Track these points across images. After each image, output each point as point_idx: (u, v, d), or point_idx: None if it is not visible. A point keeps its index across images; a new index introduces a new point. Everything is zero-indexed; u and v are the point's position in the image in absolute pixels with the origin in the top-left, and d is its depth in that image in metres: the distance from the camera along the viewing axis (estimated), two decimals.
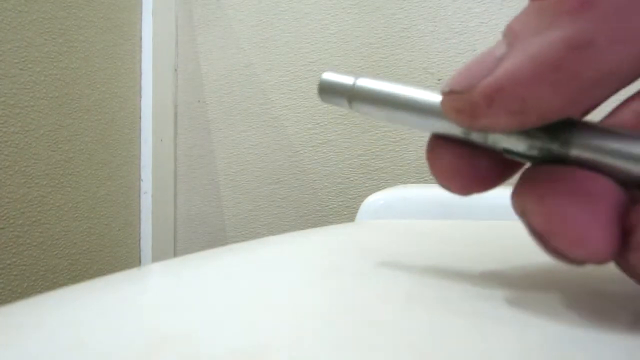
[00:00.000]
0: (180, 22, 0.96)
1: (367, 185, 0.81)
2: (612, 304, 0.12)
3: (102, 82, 0.81)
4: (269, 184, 0.88)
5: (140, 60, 0.90)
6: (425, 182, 0.77)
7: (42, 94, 0.71)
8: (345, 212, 0.83)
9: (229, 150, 0.91)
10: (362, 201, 0.48)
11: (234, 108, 0.91)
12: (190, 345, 0.10)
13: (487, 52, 0.11)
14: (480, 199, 0.15)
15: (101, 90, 0.81)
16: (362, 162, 0.81)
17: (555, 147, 0.11)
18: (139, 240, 0.89)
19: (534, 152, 0.11)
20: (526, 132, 0.11)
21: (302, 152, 0.86)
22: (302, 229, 0.56)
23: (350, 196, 0.82)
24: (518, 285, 0.14)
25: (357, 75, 0.15)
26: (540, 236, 0.11)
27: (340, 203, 0.83)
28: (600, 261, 0.10)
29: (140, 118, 0.89)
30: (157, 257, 0.90)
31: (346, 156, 0.83)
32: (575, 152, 0.11)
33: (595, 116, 0.12)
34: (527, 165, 0.12)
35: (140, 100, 0.90)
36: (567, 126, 0.11)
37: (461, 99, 0.11)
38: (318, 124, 0.85)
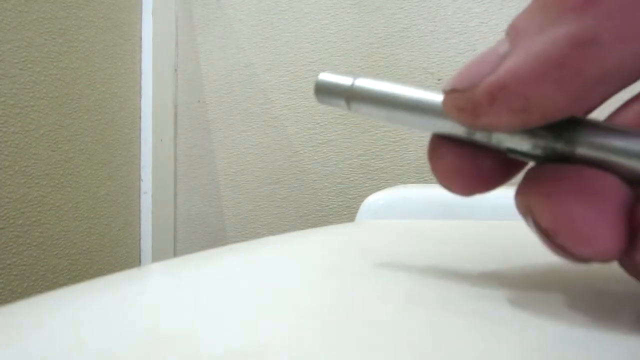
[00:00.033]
0: (180, 22, 0.96)
1: (367, 185, 0.81)
2: (613, 303, 0.12)
3: (102, 82, 0.81)
4: (269, 184, 0.88)
5: (140, 60, 0.90)
6: (425, 182, 0.77)
7: (42, 94, 0.71)
8: (345, 212, 0.83)
9: (229, 150, 0.91)
10: (362, 201, 0.48)
11: (234, 108, 0.91)
12: (190, 345, 0.10)
13: (490, 50, 0.11)
14: (481, 199, 0.15)
15: (101, 90, 0.81)
16: (362, 162, 0.81)
17: (560, 146, 0.11)
18: (139, 240, 0.89)
19: (539, 152, 0.11)
20: (530, 131, 0.11)
21: (302, 152, 0.86)
22: (302, 229, 0.56)
23: (350, 196, 0.82)
24: (518, 285, 0.14)
25: (354, 75, 0.14)
26: (546, 234, 0.11)
27: (340, 203, 0.83)
28: (606, 259, 0.10)
29: (140, 118, 0.89)
30: (157, 257, 0.90)
31: (346, 156, 0.83)
32: (580, 150, 0.11)
33: (597, 117, 0.12)
34: (530, 164, 0.12)
35: (140, 100, 0.90)
36: (572, 125, 0.11)
37: (463, 97, 0.11)
38: (318, 124, 0.85)
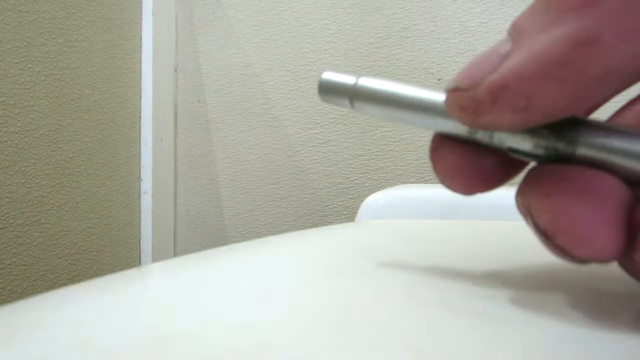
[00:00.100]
0: (180, 22, 0.96)
1: (367, 185, 0.81)
2: (613, 304, 0.12)
3: (102, 82, 0.81)
4: (269, 184, 0.88)
5: (140, 60, 0.90)
6: (425, 182, 0.77)
7: (42, 94, 0.71)
8: (345, 212, 0.83)
9: (229, 150, 0.91)
10: (362, 201, 0.48)
11: (234, 108, 0.91)
12: (190, 345, 0.10)
13: (492, 49, 0.11)
14: (481, 199, 0.15)
15: (101, 90, 0.81)
16: (362, 162, 0.81)
17: (561, 146, 0.11)
18: (139, 240, 0.89)
19: (540, 151, 0.11)
20: (532, 131, 0.11)
21: (302, 152, 0.86)
22: (302, 229, 0.56)
23: (350, 196, 0.82)
24: (518, 285, 0.14)
25: (358, 74, 0.14)
26: (545, 234, 0.11)
27: (340, 203, 0.83)
28: (605, 260, 0.10)
29: (140, 118, 0.89)
30: (157, 257, 0.90)
31: (346, 156, 0.83)
32: (581, 150, 0.11)
33: (599, 118, 0.12)
34: (532, 164, 0.12)
35: (140, 100, 0.90)
36: (573, 125, 0.11)
37: (465, 96, 0.11)
38: (318, 124, 0.85)
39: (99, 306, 0.13)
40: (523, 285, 0.14)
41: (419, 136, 0.78)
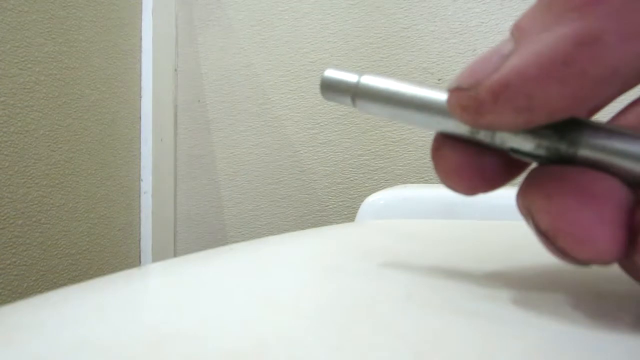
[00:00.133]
0: (180, 22, 0.96)
1: (367, 185, 0.81)
2: (613, 304, 0.12)
3: (102, 82, 0.81)
4: (269, 184, 0.88)
5: (140, 60, 0.90)
6: (425, 182, 0.77)
7: (42, 94, 0.71)
8: (345, 212, 0.83)
9: (229, 150, 0.91)
10: (362, 201, 0.48)
11: (234, 108, 0.91)
12: (190, 345, 0.10)
13: (495, 49, 0.11)
14: (481, 199, 0.15)
15: (101, 90, 0.81)
16: (362, 162, 0.81)
17: (563, 147, 0.11)
18: (139, 240, 0.89)
19: (542, 152, 0.11)
20: (534, 132, 0.11)
21: (302, 152, 0.86)
22: (302, 229, 0.56)
23: (350, 196, 0.82)
24: (519, 286, 0.14)
25: (360, 72, 0.14)
26: (546, 236, 0.11)
27: (340, 203, 0.83)
28: (606, 262, 0.10)
29: (140, 118, 0.89)
30: (157, 257, 0.90)
31: (346, 156, 0.83)
32: (583, 152, 0.11)
33: (600, 119, 0.12)
34: (533, 165, 0.12)
35: (140, 100, 0.90)
36: (575, 126, 0.11)
37: (467, 95, 0.11)
38: (318, 124, 0.85)
39: (99, 306, 0.13)
40: (523, 286, 0.14)
41: (419, 136, 0.78)
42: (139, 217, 0.89)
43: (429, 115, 0.13)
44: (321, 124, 0.84)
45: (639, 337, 0.10)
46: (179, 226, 0.95)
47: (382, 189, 0.53)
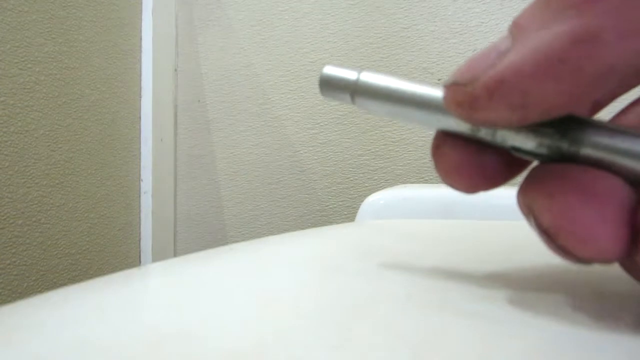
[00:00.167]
0: (180, 22, 0.96)
1: (367, 185, 0.81)
2: (614, 304, 0.12)
3: (102, 82, 0.81)
4: (269, 184, 0.88)
5: (140, 60, 0.90)
6: (425, 182, 0.77)
7: (42, 94, 0.71)
8: (345, 212, 0.83)
9: (229, 150, 0.91)
10: (362, 201, 0.48)
11: (234, 108, 0.91)
12: (190, 345, 0.10)
13: (493, 46, 0.11)
14: (481, 199, 0.15)
15: (101, 90, 0.81)
16: (362, 162, 0.81)
17: (564, 145, 0.11)
18: (139, 240, 0.89)
19: (543, 150, 0.11)
20: (535, 130, 0.11)
21: (302, 152, 0.86)
22: (302, 229, 0.56)
23: (350, 196, 0.82)
24: (519, 286, 0.14)
25: (359, 69, 0.14)
26: (547, 234, 0.11)
27: (340, 203, 0.83)
28: (607, 260, 0.10)
29: (140, 118, 0.89)
30: (157, 257, 0.90)
31: (346, 156, 0.83)
32: (585, 150, 0.11)
33: (602, 118, 0.12)
34: (534, 163, 0.12)
35: (140, 100, 0.90)
36: (577, 124, 0.11)
37: (462, 91, 0.11)
38: (318, 124, 0.85)
39: (99, 306, 0.13)
40: (523, 286, 0.14)
41: (419, 136, 0.78)
42: (139, 217, 0.89)
43: (429, 113, 0.13)
44: (321, 124, 0.84)
45: (639, 336, 0.10)
46: (179, 226, 0.95)
47: (382, 189, 0.53)
